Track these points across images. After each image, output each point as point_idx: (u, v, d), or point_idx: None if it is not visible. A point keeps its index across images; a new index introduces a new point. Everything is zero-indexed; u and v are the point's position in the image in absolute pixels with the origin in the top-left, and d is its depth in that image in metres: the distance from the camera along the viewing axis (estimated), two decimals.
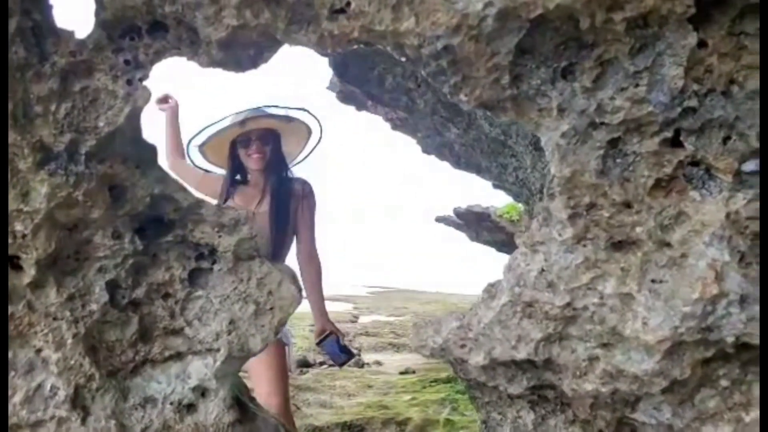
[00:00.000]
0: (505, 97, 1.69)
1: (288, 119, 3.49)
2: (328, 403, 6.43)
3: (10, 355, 1.95)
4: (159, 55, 1.85)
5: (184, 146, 3.73)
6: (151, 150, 2.01)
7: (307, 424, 5.33)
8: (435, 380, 7.61)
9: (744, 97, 1.62)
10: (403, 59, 1.70)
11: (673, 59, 1.58)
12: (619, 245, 1.70)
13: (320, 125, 3.58)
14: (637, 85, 1.60)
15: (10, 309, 1.91)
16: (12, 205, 1.81)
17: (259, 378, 3.29)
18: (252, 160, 3.44)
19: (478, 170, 7.34)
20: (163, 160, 2.04)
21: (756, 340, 1.58)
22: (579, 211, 1.69)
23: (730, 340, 1.59)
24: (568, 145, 1.64)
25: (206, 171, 3.80)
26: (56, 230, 1.89)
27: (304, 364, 8.98)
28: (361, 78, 5.17)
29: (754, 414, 1.72)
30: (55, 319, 1.94)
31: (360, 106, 6.48)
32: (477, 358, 1.82)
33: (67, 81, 1.79)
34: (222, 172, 3.73)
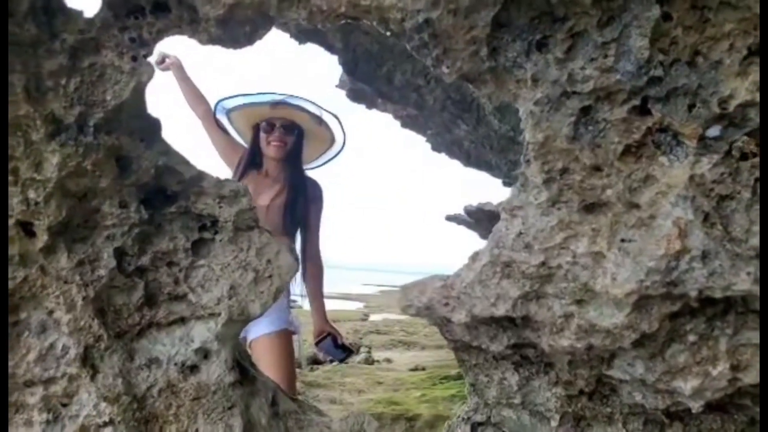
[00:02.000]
0: (484, 69, 1.80)
1: (319, 120, 3.48)
2: (338, 399, 6.50)
3: (23, 316, 2.09)
4: (162, 33, 1.98)
5: (212, 104, 3.65)
6: (156, 124, 2.14)
7: None
8: (445, 377, 7.69)
9: (708, 66, 1.73)
10: (388, 33, 1.81)
11: (638, 31, 1.69)
12: (591, 207, 1.81)
13: (345, 137, 3.60)
14: (605, 56, 1.71)
15: (24, 272, 2.04)
16: (26, 173, 1.94)
17: (265, 364, 3.31)
18: (271, 148, 3.45)
19: (489, 167, 7.42)
20: (167, 134, 2.14)
21: (717, 294, 1.69)
22: (553, 176, 1.80)
23: (693, 293, 1.70)
24: (541, 112, 1.75)
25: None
26: (67, 199, 2.02)
27: (315, 361, 9.09)
28: (371, 76, 5.26)
29: (721, 368, 1.82)
30: (66, 282, 2.07)
31: (370, 104, 6.56)
32: (459, 316, 1.93)
33: (76, 57, 1.91)
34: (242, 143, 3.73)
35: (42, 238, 2.02)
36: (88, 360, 2.11)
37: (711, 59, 1.72)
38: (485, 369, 2.25)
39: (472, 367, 2.28)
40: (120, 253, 2.17)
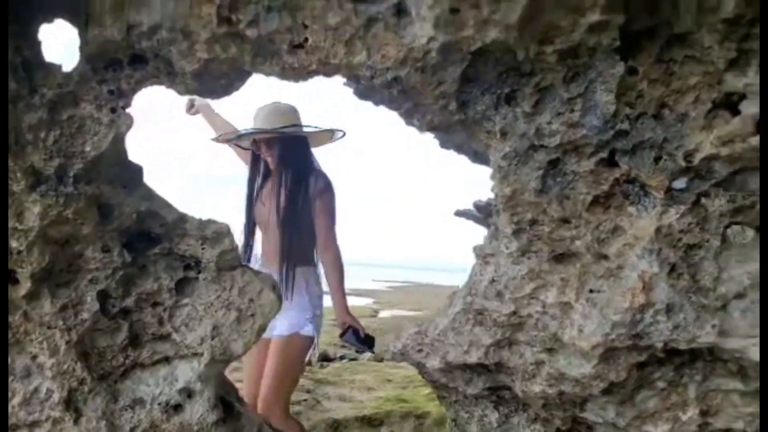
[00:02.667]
0: (454, 122, 1.83)
1: (276, 133, 3.52)
2: (348, 396, 6.49)
3: (9, 361, 2.13)
4: (140, 84, 2.01)
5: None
6: (137, 170, 2.17)
7: (327, 417, 5.39)
8: None
9: (674, 119, 1.75)
10: (354, 88, 1.84)
11: (604, 86, 1.71)
12: (560, 257, 1.83)
13: (325, 130, 3.59)
14: (572, 110, 1.74)
15: (9, 318, 2.08)
16: (9, 223, 1.98)
17: (267, 367, 3.27)
18: (268, 161, 3.54)
19: None
20: (148, 179, 2.18)
21: (682, 346, 1.72)
22: (522, 226, 1.83)
23: (659, 345, 1.72)
24: (509, 166, 1.78)
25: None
26: (49, 246, 2.06)
27: (325, 358, 9.10)
28: None
29: (691, 413, 1.85)
30: (49, 327, 2.11)
31: (377, 101, 6.57)
32: (433, 362, 1.97)
33: (55, 110, 1.95)
34: None
35: (25, 285, 2.06)
36: (71, 403, 2.14)
37: (677, 111, 1.75)
38: (465, 406, 2.28)
39: (452, 404, 2.31)
40: (104, 296, 2.21)
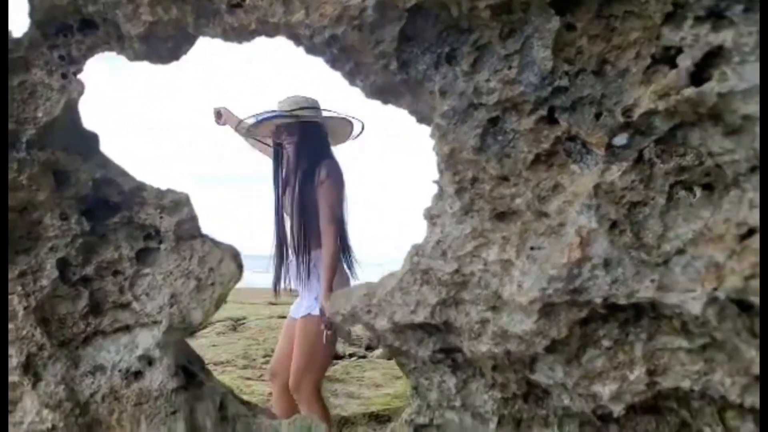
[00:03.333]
0: (397, 82, 1.83)
1: (294, 116, 3.59)
2: (356, 393, 6.50)
3: None
4: (91, 50, 2.04)
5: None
6: (92, 138, 2.20)
7: (335, 414, 5.40)
8: None
9: (615, 75, 1.75)
10: (301, 48, 1.85)
11: (540, 42, 1.71)
12: (502, 216, 1.83)
13: (332, 111, 3.66)
14: (509, 67, 1.74)
15: None
16: None
17: (294, 347, 3.38)
18: (288, 149, 3.63)
19: None
20: (105, 148, 2.21)
21: (622, 301, 1.71)
22: (464, 185, 1.83)
23: (598, 300, 1.72)
24: (448, 125, 1.78)
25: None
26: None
27: (334, 356, 9.13)
28: None
29: (638, 372, 1.84)
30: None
31: (385, 100, 6.57)
32: (381, 323, 1.97)
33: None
34: None
35: None
36: (30, 368, 2.18)
37: (618, 67, 1.74)
38: (424, 372, 2.28)
39: (412, 371, 2.31)
40: (64, 264, 2.24)
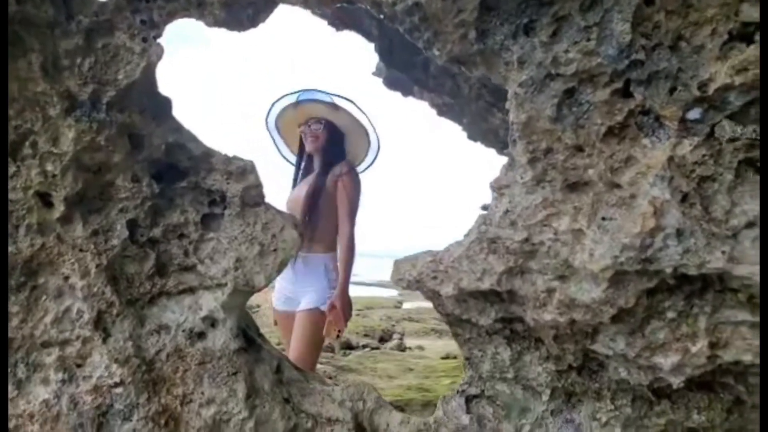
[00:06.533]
0: (474, 52, 1.88)
1: (334, 106, 3.66)
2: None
3: (41, 281, 2.23)
4: (171, 16, 2.09)
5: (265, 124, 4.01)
6: (166, 102, 2.25)
7: None
8: None
9: (690, 51, 1.78)
10: (382, 17, 1.90)
11: (620, 15, 1.75)
12: (573, 186, 1.87)
13: (370, 123, 3.72)
14: (588, 39, 1.77)
15: (42, 240, 2.18)
16: (44, 147, 2.08)
17: (292, 339, 3.54)
18: (308, 143, 3.69)
19: None
20: (178, 113, 2.28)
21: (692, 271, 1.74)
22: (537, 155, 1.87)
23: (668, 270, 1.75)
24: (525, 94, 1.82)
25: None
26: (82, 172, 2.15)
27: (348, 347, 9.20)
28: (407, 63, 5.29)
29: (700, 344, 1.87)
30: (81, 250, 2.21)
31: (406, 92, 6.59)
32: (447, 289, 2.02)
33: (90, 38, 2.04)
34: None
35: (59, 208, 2.16)
36: (100, 324, 2.24)
37: (693, 44, 1.77)
38: (479, 343, 2.32)
39: (466, 341, 2.36)
40: (133, 225, 2.30)
